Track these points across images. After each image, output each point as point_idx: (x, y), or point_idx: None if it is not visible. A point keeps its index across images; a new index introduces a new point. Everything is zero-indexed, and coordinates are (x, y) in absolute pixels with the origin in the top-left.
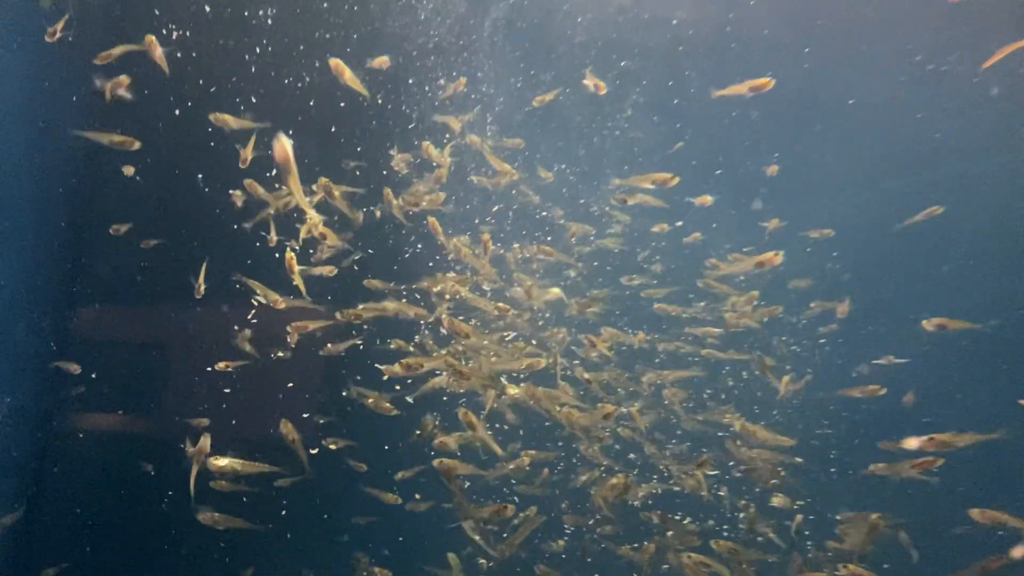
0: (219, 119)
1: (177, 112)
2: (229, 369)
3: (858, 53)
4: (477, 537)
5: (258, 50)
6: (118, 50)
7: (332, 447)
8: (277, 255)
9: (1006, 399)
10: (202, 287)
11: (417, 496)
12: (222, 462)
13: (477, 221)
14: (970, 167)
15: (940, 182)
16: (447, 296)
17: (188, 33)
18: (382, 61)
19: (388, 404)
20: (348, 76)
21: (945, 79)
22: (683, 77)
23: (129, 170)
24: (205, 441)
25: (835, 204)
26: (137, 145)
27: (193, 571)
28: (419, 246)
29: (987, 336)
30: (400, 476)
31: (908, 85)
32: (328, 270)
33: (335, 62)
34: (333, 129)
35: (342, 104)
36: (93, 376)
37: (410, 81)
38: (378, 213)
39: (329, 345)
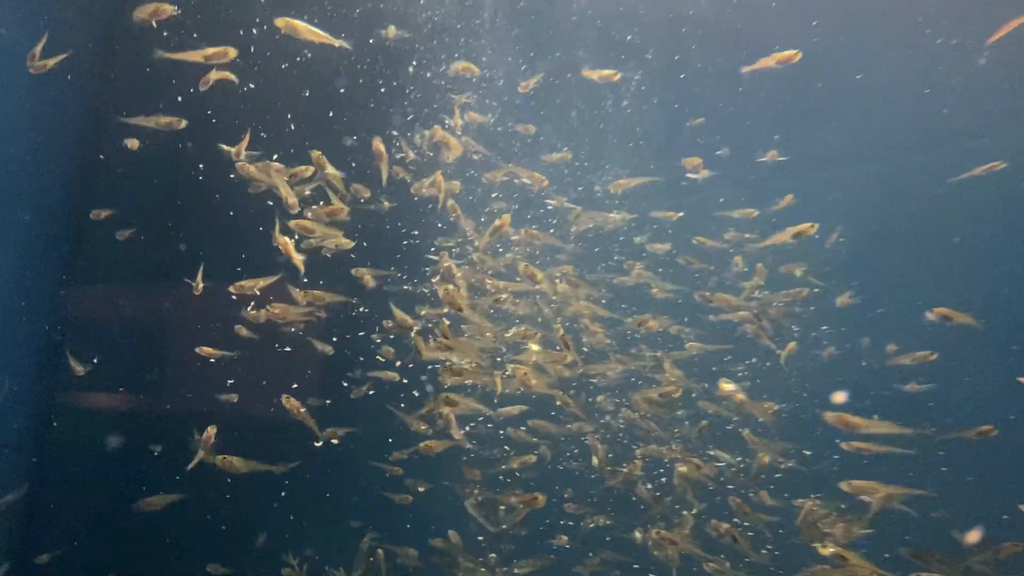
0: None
1: (179, 99)
2: (211, 356)
3: (867, 26)
4: (479, 515)
5: (254, 31)
6: (52, 61)
7: (334, 441)
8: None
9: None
10: (200, 286)
11: (421, 489)
12: (226, 458)
13: (482, 219)
14: (978, 144)
15: (948, 159)
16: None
17: (182, 12)
18: (390, 31)
19: (424, 425)
20: (304, 30)
21: (955, 54)
22: (689, 51)
23: (133, 143)
24: (211, 431)
25: (842, 182)
26: (184, 124)
27: (194, 553)
28: (416, 232)
29: (997, 318)
30: (396, 456)
31: (917, 60)
32: (346, 243)
33: (283, 21)
34: (331, 114)
35: (341, 91)
36: (94, 358)
37: (413, 64)
38: (386, 204)
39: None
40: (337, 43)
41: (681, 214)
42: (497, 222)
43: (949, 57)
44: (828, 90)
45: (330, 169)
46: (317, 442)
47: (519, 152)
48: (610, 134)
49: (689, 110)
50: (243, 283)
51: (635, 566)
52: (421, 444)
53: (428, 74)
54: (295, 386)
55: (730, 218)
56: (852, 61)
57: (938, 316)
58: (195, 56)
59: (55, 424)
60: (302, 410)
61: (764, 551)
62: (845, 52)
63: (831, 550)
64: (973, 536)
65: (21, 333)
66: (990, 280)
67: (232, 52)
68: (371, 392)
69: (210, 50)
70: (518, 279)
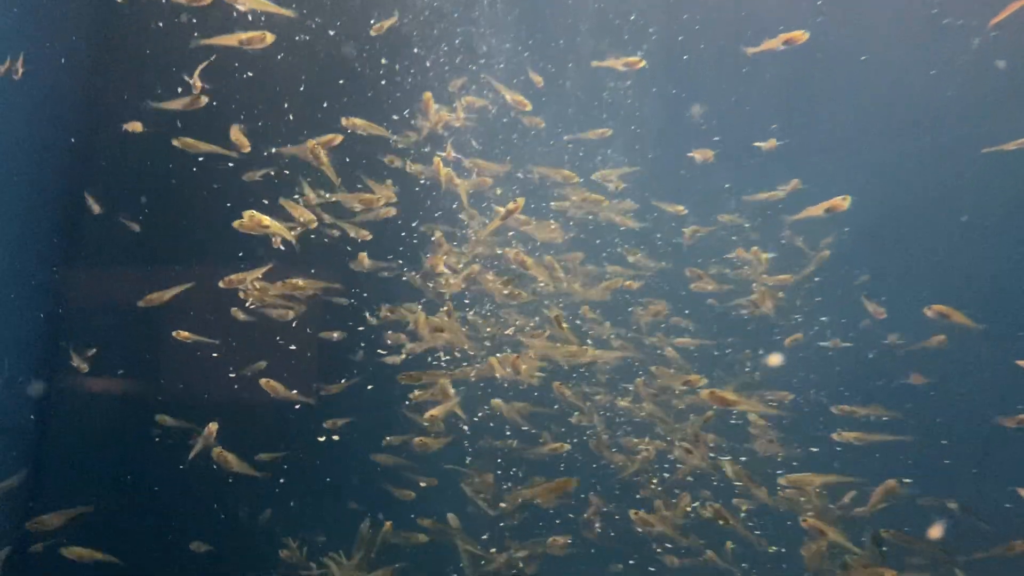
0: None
1: (178, 89)
2: (189, 340)
3: (871, 7)
4: (478, 498)
5: (250, 17)
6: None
7: (336, 437)
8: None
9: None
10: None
11: (423, 484)
12: (222, 453)
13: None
14: (982, 127)
15: (952, 142)
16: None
17: None
18: (381, 26)
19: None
20: None
21: (961, 35)
22: (692, 31)
23: (136, 127)
24: (213, 426)
25: (844, 165)
26: (204, 101)
27: (194, 537)
28: (415, 224)
29: (1004, 306)
30: (388, 441)
31: (922, 40)
32: (364, 233)
33: None
34: (325, 104)
35: (341, 81)
36: (92, 344)
37: (415, 50)
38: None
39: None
40: (281, 11)
41: (685, 209)
42: (511, 204)
43: (954, 38)
44: (832, 72)
45: (324, 157)
46: (320, 436)
47: (518, 141)
48: (611, 121)
49: (689, 95)
50: (233, 277)
51: (631, 561)
52: (416, 440)
53: (428, 62)
54: (296, 373)
55: (754, 202)
56: (856, 42)
57: (936, 314)
58: (230, 40)
59: (54, 408)
60: (282, 390)
61: (772, 549)
62: (849, 33)
63: (810, 522)
64: (936, 531)
65: (19, 318)
66: (996, 268)
67: (269, 37)
68: (369, 387)
69: (244, 34)
70: (514, 265)
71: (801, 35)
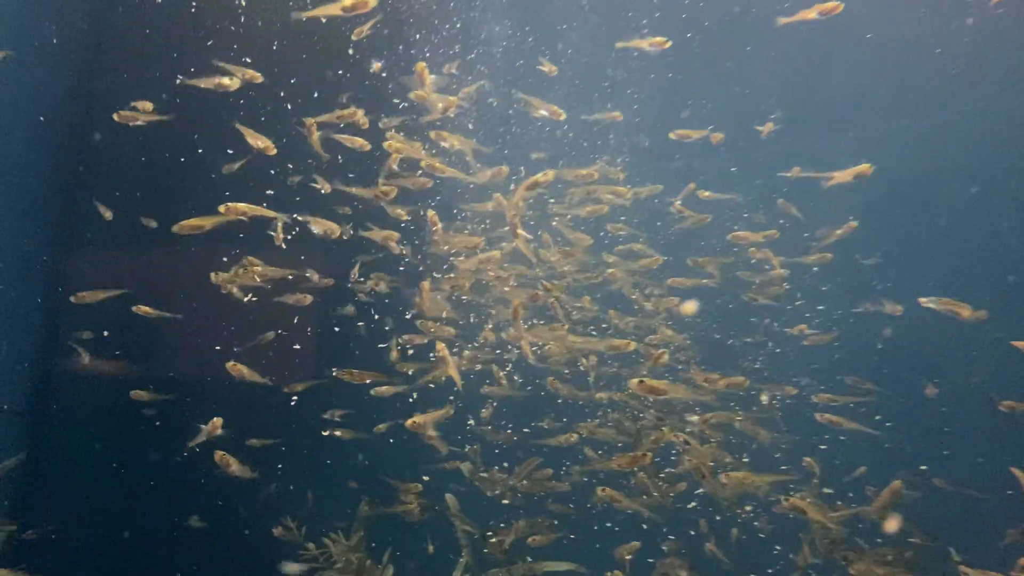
0: None
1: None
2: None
3: None
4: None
5: (243, 2)
6: None
7: (338, 433)
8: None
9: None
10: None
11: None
12: (224, 456)
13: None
14: (988, 105)
15: (956, 121)
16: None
17: None
18: (361, 30)
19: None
20: None
21: (967, 12)
22: (696, 8)
23: (147, 106)
24: (218, 421)
25: (848, 145)
26: (237, 84)
27: (193, 516)
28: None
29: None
30: (378, 429)
31: (928, 18)
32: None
33: None
34: (316, 95)
35: (340, 72)
36: (90, 328)
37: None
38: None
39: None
40: None
41: (680, 199)
42: (539, 176)
43: (959, 15)
44: (836, 51)
45: (316, 137)
46: (324, 431)
47: (517, 132)
48: (613, 106)
49: (691, 85)
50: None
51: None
52: (408, 422)
53: (427, 52)
54: (294, 361)
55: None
56: (861, 20)
57: (934, 304)
58: (333, 9)
59: (53, 391)
60: (247, 373)
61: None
62: (854, 11)
63: (789, 503)
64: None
65: (17, 301)
66: (1003, 251)
67: (372, 1)
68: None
69: (348, 1)
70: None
71: (837, 5)
